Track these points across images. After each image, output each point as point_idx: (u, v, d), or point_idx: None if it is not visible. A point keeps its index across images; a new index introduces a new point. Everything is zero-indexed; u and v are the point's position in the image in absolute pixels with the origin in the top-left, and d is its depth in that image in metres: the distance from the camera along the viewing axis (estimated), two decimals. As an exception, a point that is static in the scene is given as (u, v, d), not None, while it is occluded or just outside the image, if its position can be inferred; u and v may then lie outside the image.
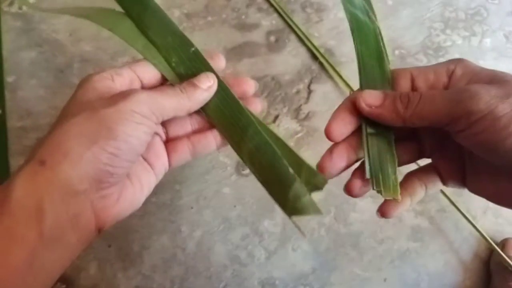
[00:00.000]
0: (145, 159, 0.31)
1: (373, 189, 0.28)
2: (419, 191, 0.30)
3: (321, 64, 0.63)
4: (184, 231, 0.48)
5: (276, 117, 0.60)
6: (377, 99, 0.27)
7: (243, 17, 0.66)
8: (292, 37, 0.66)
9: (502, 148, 0.23)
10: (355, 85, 0.62)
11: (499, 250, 0.57)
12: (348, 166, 0.29)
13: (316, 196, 0.56)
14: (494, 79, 0.25)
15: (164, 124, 0.32)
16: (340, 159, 0.29)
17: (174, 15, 0.65)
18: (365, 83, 0.30)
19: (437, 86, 0.27)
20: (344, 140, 0.29)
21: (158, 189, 0.55)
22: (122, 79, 0.29)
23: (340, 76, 0.61)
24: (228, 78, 0.33)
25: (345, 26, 0.67)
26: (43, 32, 0.62)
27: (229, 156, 0.58)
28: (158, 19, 0.34)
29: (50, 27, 0.63)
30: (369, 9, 0.34)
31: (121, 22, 0.34)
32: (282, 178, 0.29)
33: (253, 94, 0.34)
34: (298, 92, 0.61)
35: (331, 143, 0.30)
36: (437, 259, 0.58)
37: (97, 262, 0.51)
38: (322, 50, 0.64)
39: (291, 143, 0.59)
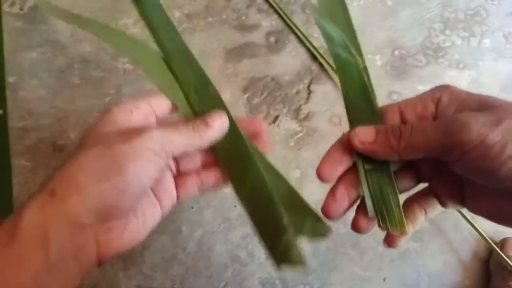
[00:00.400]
0: (153, 193, 0.31)
1: (379, 226, 0.28)
2: (419, 217, 0.29)
3: (320, 64, 0.64)
4: (185, 231, 0.48)
5: (276, 117, 0.60)
6: (369, 135, 0.28)
7: (243, 18, 0.67)
8: (292, 37, 0.66)
9: (497, 175, 0.23)
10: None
11: (498, 250, 0.57)
12: (351, 205, 0.29)
13: (315, 196, 0.56)
14: (482, 104, 0.25)
15: (175, 158, 0.33)
16: (343, 199, 0.29)
17: (175, 16, 0.66)
18: (354, 120, 0.30)
19: (426, 115, 0.27)
20: (342, 179, 0.29)
21: (159, 189, 0.55)
22: (139, 111, 0.30)
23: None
24: (240, 118, 0.33)
25: (345, 26, 0.67)
26: (44, 32, 0.63)
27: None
28: (185, 57, 0.34)
29: (51, 28, 0.63)
30: (350, 45, 0.33)
31: (149, 56, 0.33)
32: (275, 227, 0.29)
33: (265, 134, 0.34)
34: (298, 92, 0.61)
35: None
36: (437, 259, 0.58)
37: (98, 261, 0.52)
38: (321, 51, 0.64)
39: (291, 143, 0.59)
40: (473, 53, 0.67)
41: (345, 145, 0.29)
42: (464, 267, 0.59)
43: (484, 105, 0.25)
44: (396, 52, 0.66)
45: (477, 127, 0.23)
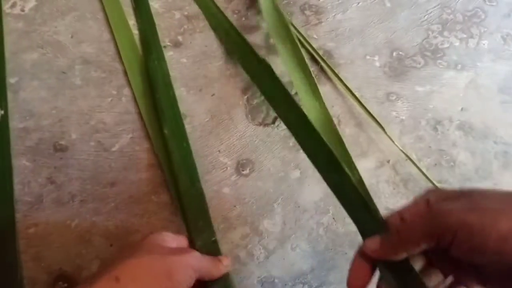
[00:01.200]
0: None
1: None
2: None
3: (320, 66, 0.64)
4: (185, 231, 0.49)
5: (276, 118, 0.61)
6: (376, 244, 0.34)
7: (243, 19, 0.67)
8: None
9: (486, 251, 0.26)
10: (354, 86, 0.62)
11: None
12: None
13: (315, 196, 0.57)
14: (461, 194, 0.30)
15: None
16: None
17: (175, 17, 0.66)
18: (362, 232, 0.39)
19: (420, 214, 0.31)
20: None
21: (159, 189, 0.55)
22: (169, 239, 0.40)
23: (339, 78, 0.62)
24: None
25: (344, 28, 0.68)
26: (44, 33, 0.63)
27: (229, 156, 0.59)
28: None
29: (52, 29, 0.63)
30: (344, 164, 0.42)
31: None
32: None
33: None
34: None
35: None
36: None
37: (98, 261, 0.52)
38: (320, 52, 0.65)
39: (290, 144, 0.60)
40: (471, 54, 0.68)
41: (363, 255, 0.36)
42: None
43: (463, 194, 0.29)
44: (395, 54, 0.66)
45: (456, 211, 0.27)
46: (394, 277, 0.34)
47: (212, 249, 0.46)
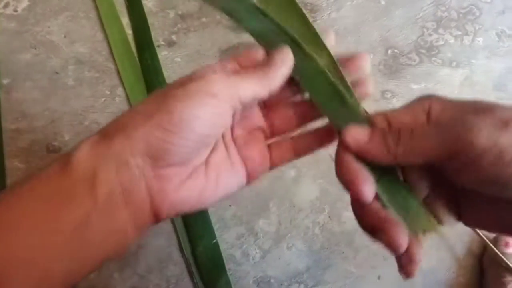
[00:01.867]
0: (240, 156, 0.29)
1: (410, 231, 0.26)
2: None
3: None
4: (184, 234, 0.48)
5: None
6: (364, 134, 0.26)
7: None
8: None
9: (506, 179, 0.21)
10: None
11: (492, 246, 0.57)
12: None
13: (311, 195, 0.56)
14: (478, 108, 0.23)
15: (270, 121, 0.31)
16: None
17: (169, 16, 0.66)
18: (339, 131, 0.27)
19: (421, 125, 0.25)
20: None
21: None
22: (225, 70, 0.29)
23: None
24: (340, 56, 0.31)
25: (339, 26, 0.67)
26: (37, 34, 0.63)
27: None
28: None
29: (45, 29, 0.63)
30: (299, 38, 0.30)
31: None
32: None
33: (366, 76, 0.32)
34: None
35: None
36: (431, 256, 0.59)
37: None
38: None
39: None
40: (466, 51, 0.67)
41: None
42: (459, 264, 0.59)
43: (481, 109, 0.23)
44: (390, 51, 0.66)
45: (487, 129, 0.21)
46: (381, 183, 0.26)
47: (213, 252, 0.45)
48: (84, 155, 0.23)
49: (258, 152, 0.30)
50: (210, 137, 0.26)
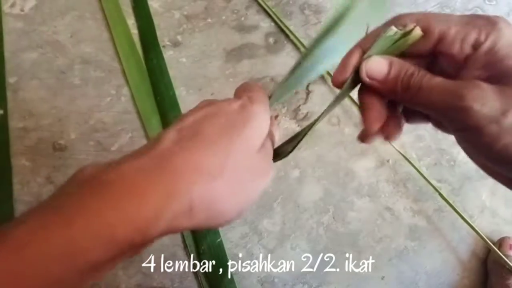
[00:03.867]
0: None
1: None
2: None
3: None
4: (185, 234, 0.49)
5: (275, 117, 0.61)
6: (380, 73, 0.26)
7: (243, 18, 0.67)
8: (291, 38, 0.66)
9: (492, 153, 0.22)
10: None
11: (496, 249, 0.57)
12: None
13: (314, 195, 0.56)
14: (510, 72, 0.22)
15: None
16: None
17: (175, 17, 0.66)
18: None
19: (458, 55, 0.24)
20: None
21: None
22: None
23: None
24: None
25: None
26: (44, 33, 0.63)
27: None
28: None
29: (51, 29, 0.63)
30: None
31: None
32: None
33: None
34: (296, 92, 0.62)
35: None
36: (435, 258, 0.59)
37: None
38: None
39: (289, 143, 0.59)
40: (470, 53, 0.67)
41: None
42: (463, 266, 0.59)
43: (509, 78, 0.22)
44: (394, 53, 0.66)
45: (480, 114, 0.22)
46: None
47: (218, 251, 0.46)
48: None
49: None
50: None
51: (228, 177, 0.23)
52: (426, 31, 0.25)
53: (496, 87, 0.22)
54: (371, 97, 0.27)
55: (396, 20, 0.27)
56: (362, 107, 0.27)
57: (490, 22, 0.24)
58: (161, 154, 0.22)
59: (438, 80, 0.24)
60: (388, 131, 0.27)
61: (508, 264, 0.56)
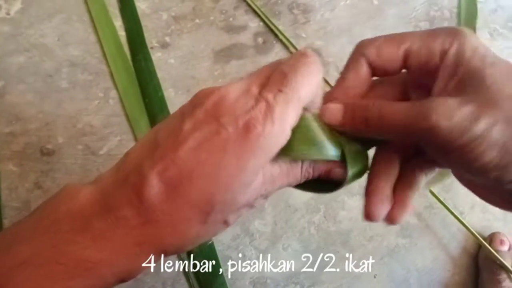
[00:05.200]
0: None
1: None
2: (420, 179, 0.27)
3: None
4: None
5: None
6: (337, 118, 0.26)
7: (231, 19, 0.67)
8: (280, 38, 0.66)
9: (471, 167, 0.22)
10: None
11: (487, 245, 0.58)
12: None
13: (306, 194, 0.56)
14: (477, 75, 0.22)
15: None
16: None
17: (162, 18, 0.66)
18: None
19: (429, 68, 0.24)
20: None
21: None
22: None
23: (325, 80, 0.62)
24: None
25: (332, 26, 0.68)
26: (31, 37, 0.62)
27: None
28: None
29: (38, 32, 0.63)
30: None
31: None
32: None
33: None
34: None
35: None
36: (426, 255, 0.59)
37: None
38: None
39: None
40: (459, 50, 0.68)
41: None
42: (454, 263, 0.59)
43: (477, 77, 0.22)
44: (383, 51, 0.66)
45: (452, 125, 0.21)
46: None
47: (209, 253, 0.46)
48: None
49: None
50: None
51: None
52: (390, 53, 0.25)
53: (461, 98, 0.22)
54: (380, 180, 0.27)
55: (358, 49, 0.27)
56: (367, 190, 0.27)
57: (452, 31, 0.24)
58: (145, 212, 0.21)
59: (398, 105, 0.24)
60: (393, 215, 0.27)
61: (499, 260, 0.56)
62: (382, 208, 0.26)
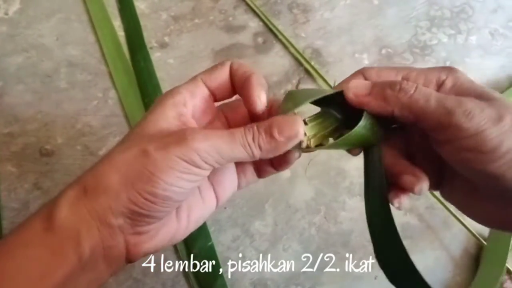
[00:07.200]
0: (211, 183, 0.30)
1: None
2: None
3: (303, 67, 0.64)
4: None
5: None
6: (364, 88, 0.27)
7: (230, 18, 0.66)
8: (280, 37, 0.66)
9: (484, 170, 0.23)
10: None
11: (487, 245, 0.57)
12: None
13: (306, 195, 0.56)
14: (484, 95, 0.25)
15: None
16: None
17: (162, 18, 0.65)
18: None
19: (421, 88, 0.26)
20: None
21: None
22: (195, 101, 0.28)
23: (324, 80, 0.61)
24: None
25: (332, 26, 0.67)
26: (29, 37, 0.62)
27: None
28: None
29: (36, 32, 0.62)
30: None
31: None
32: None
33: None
34: (286, 92, 0.61)
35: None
36: (427, 256, 0.59)
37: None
38: (309, 51, 0.65)
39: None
40: (459, 50, 0.68)
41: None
42: (455, 264, 0.59)
43: (486, 97, 0.24)
44: (383, 51, 0.66)
45: (480, 118, 0.23)
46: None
47: (209, 254, 0.46)
48: (66, 214, 0.24)
49: (228, 178, 0.31)
50: (189, 195, 0.27)
51: None
52: (389, 77, 0.28)
53: (484, 102, 0.24)
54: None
55: (358, 70, 0.29)
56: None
57: (446, 68, 0.27)
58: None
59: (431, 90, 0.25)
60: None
61: (500, 260, 0.56)
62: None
